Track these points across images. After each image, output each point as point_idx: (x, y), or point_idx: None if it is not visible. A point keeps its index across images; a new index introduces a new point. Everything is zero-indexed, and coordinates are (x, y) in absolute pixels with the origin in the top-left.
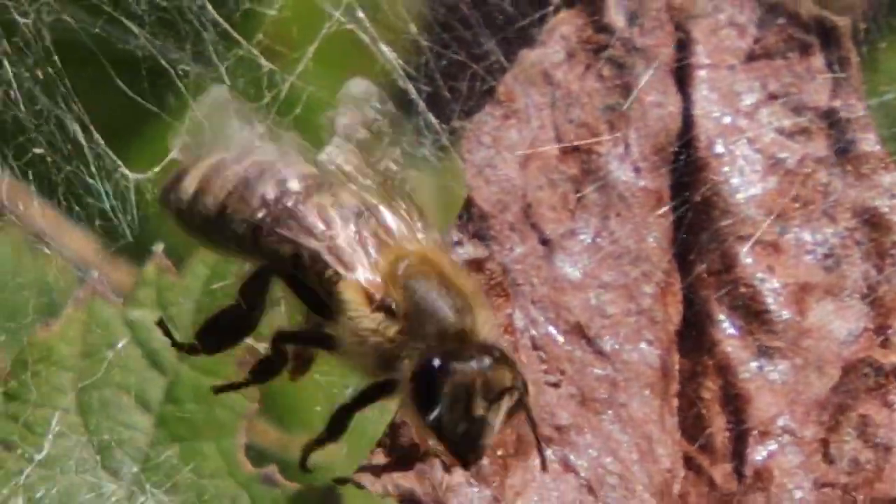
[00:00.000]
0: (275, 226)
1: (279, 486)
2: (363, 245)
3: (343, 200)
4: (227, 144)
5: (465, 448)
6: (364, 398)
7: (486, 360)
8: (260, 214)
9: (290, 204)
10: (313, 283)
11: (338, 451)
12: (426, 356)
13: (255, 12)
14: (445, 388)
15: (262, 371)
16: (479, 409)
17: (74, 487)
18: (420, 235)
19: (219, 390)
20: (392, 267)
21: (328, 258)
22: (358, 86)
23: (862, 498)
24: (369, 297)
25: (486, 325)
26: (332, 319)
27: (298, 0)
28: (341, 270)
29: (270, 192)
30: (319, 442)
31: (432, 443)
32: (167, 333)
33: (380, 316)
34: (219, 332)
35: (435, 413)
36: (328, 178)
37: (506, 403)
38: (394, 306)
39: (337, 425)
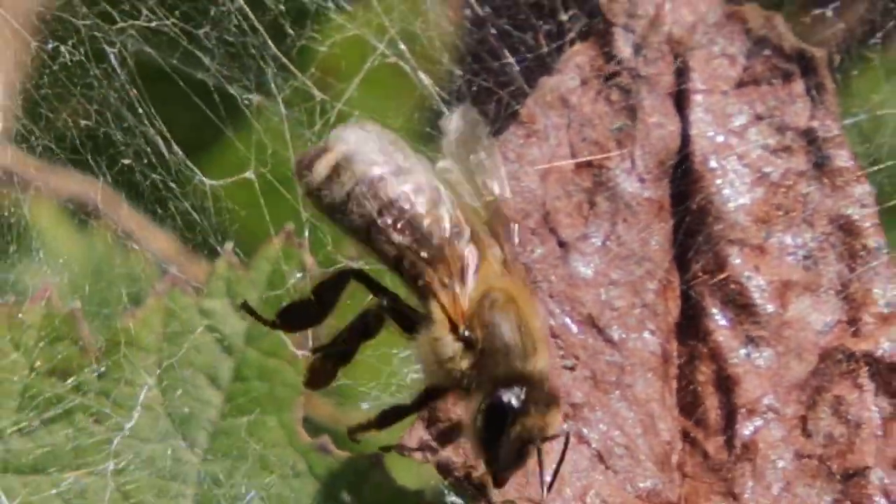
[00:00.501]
0: (390, 228)
1: (332, 454)
2: (463, 270)
3: (457, 219)
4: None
5: (505, 472)
6: (419, 404)
7: (547, 408)
8: (378, 213)
9: (410, 211)
10: (407, 288)
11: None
12: (499, 392)
13: (309, 48)
14: (511, 426)
15: (343, 340)
16: (530, 448)
17: (156, 454)
18: (509, 270)
19: (315, 350)
20: (481, 299)
21: (429, 270)
22: (467, 114)
23: (835, 467)
24: (454, 325)
25: (547, 367)
26: (413, 332)
27: (348, 36)
28: (437, 288)
29: (395, 195)
30: (367, 428)
31: (478, 457)
32: (252, 313)
33: (459, 346)
34: (297, 316)
35: (497, 437)
36: (448, 194)
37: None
38: (474, 341)
39: (387, 420)
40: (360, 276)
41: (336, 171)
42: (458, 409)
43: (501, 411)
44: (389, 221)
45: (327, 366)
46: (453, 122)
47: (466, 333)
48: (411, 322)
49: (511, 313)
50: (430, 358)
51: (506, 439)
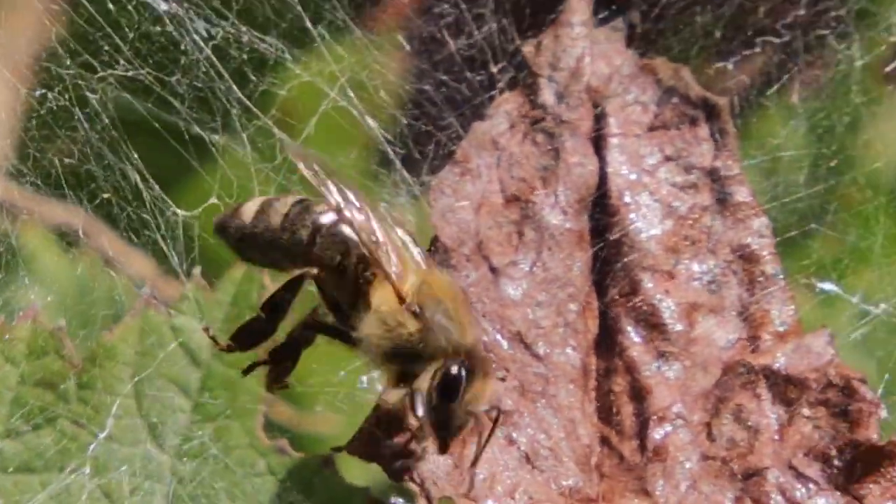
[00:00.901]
0: (336, 229)
1: (289, 455)
2: (402, 260)
3: (385, 226)
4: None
5: (449, 437)
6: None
7: (484, 378)
8: (324, 220)
9: (349, 214)
10: (348, 285)
11: (336, 426)
12: (450, 363)
13: (270, 92)
14: (460, 393)
15: (284, 352)
16: (472, 412)
17: (131, 457)
18: (433, 267)
19: (246, 372)
20: (420, 284)
21: (379, 257)
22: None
23: (737, 468)
24: (400, 298)
25: (478, 340)
26: (353, 318)
27: (303, 83)
28: (387, 269)
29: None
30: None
31: (423, 428)
32: (211, 337)
33: (406, 314)
34: (248, 335)
35: (447, 405)
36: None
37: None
38: (417, 310)
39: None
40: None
41: (265, 205)
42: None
43: (455, 381)
44: (334, 224)
45: (278, 373)
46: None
47: (415, 307)
48: (338, 330)
49: (441, 296)
50: (375, 335)
51: (455, 407)
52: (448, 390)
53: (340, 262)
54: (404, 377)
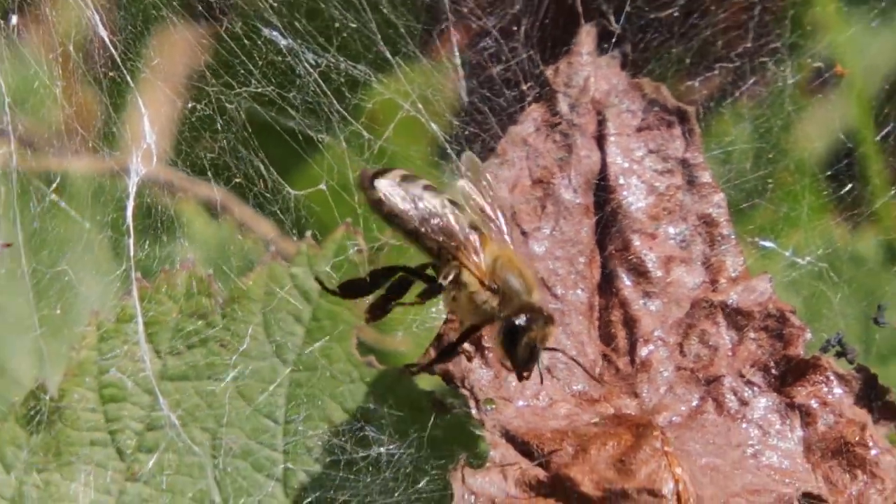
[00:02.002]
0: (431, 231)
1: (376, 367)
2: (476, 250)
3: (470, 219)
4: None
5: (524, 368)
6: (462, 339)
7: (545, 324)
8: (420, 224)
9: (444, 219)
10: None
11: (411, 346)
12: (514, 317)
13: (360, 105)
14: (524, 336)
15: (389, 297)
16: (537, 349)
17: (260, 367)
18: (506, 240)
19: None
20: (493, 262)
21: (461, 254)
22: (472, 158)
23: (701, 375)
24: (482, 282)
25: (542, 299)
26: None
27: (385, 98)
28: (468, 260)
29: (433, 208)
30: (429, 365)
31: (505, 362)
32: (321, 283)
33: (488, 293)
34: (351, 289)
35: (515, 348)
36: (464, 205)
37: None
38: (497, 288)
39: (444, 356)
40: (405, 269)
41: (392, 189)
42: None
43: (515, 329)
44: (431, 228)
45: (378, 309)
46: (465, 162)
47: (494, 285)
48: (433, 288)
49: (513, 268)
50: (469, 307)
51: (520, 347)
52: (512, 337)
53: (437, 248)
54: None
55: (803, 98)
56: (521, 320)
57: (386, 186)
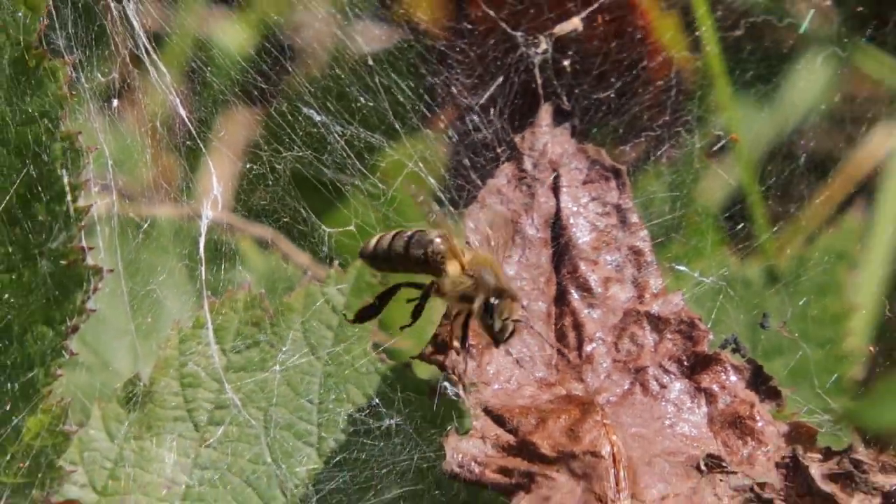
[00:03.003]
0: (412, 245)
1: (387, 362)
2: (462, 250)
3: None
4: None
5: (501, 336)
6: (456, 333)
7: (512, 301)
8: (403, 248)
9: (417, 232)
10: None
11: (413, 345)
12: (489, 298)
13: (376, 165)
14: (496, 312)
15: (378, 302)
16: (508, 320)
17: (300, 364)
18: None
19: (354, 320)
20: (471, 259)
21: (457, 254)
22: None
23: (631, 366)
24: (463, 268)
25: (510, 285)
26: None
27: (394, 159)
28: (460, 257)
29: (430, 239)
30: (430, 356)
31: (486, 334)
32: (344, 316)
33: (467, 279)
34: (363, 315)
35: (491, 320)
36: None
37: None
38: (473, 274)
39: (441, 347)
40: (402, 284)
41: (395, 237)
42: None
43: (490, 307)
44: (433, 250)
45: (365, 315)
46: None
47: (471, 272)
48: (426, 291)
49: (486, 263)
50: (453, 293)
51: (495, 319)
52: (489, 310)
53: (432, 259)
54: (465, 307)
55: (707, 159)
56: (494, 299)
57: (367, 243)
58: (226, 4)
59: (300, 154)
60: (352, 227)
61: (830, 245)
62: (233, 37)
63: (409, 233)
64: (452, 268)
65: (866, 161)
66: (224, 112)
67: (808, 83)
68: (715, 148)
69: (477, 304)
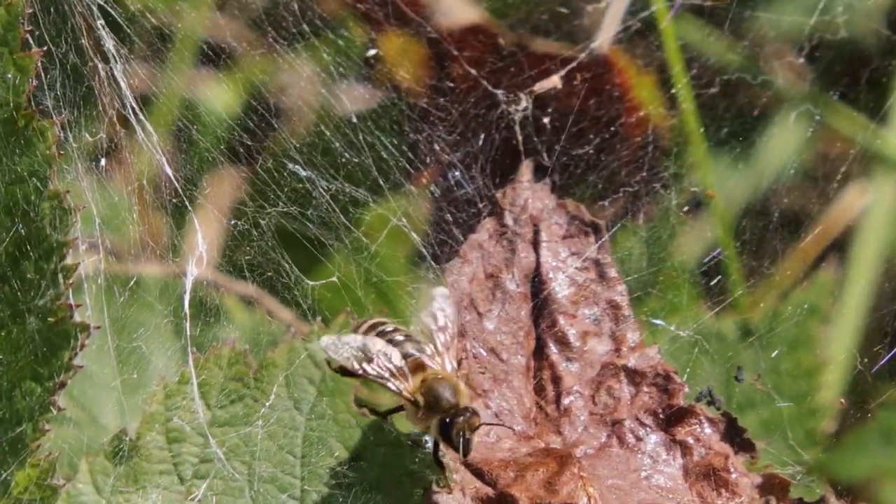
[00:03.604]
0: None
1: (368, 416)
2: (406, 375)
3: (405, 351)
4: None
5: (464, 452)
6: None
7: (469, 417)
8: (373, 372)
9: (375, 363)
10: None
11: (391, 402)
12: (443, 419)
13: (361, 218)
14: (453, 428)
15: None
16: (467, 436)
17: (283, 417)
18: (440, 364)
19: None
20: (423, 381)
21: (398, 386)
22: (441, 291)
23: (608, 419)
24: (408, 399)
25: (465, 398)
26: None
27: (378, 213)
28: (396, 392)
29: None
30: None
31: (446, 449)
32: (328, 364)
33: (413, 406)
34: (345, 371)
35: (448, 438)
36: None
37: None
38: (420, 401)
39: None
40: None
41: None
42: None
43: (444, 426)
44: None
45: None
46: (433, 295)
47: (417, 399)
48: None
49: (441, 382)
50: (410, 415)
51: (453, 437)
52: (443, 431)
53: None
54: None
55: (683, 214)
56: (448, 418)
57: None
58: (213, 65)
59: (285, 210)
60: (335, 280)
61: (803, 300)
62: (219, 96)
63: (377, 343)
64: (406, 395)
65: (840, 218)
66: (209, 170)
67: (783, 141)
68: (691, 204)
69: (433, 426)
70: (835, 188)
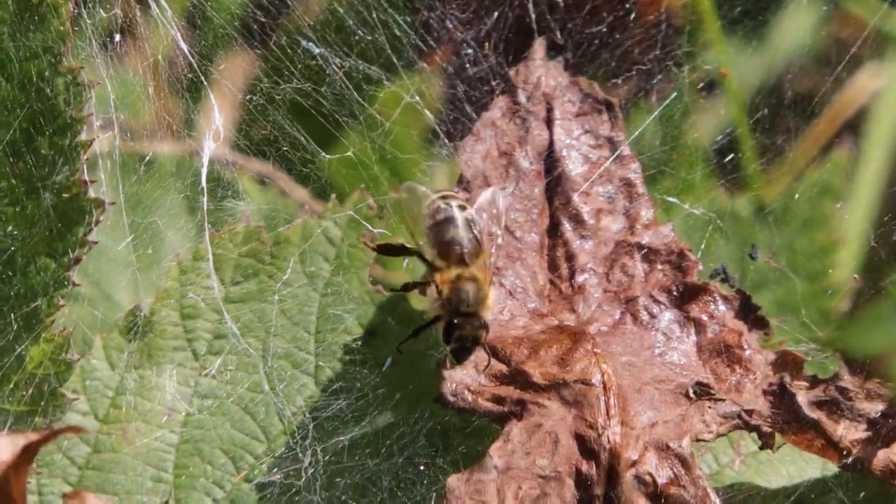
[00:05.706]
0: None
1: (382, 293)
2: (448, 264)
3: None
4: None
5: (456, 358)
6: (425, 327)
7: (477, 328)
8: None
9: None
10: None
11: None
12: (451, 319)
13: (375, 96)
14: (457, 333)
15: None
16: (468, 344)
17: (296, 293)
18: (479, 264)
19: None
20: (456, 277)
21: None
22: (492, 192)
23: (622, 296)
24: (439, 292)
25: (487, 311)
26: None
27: (391, 91)
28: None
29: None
30: (407, 339)
31: (444, 350)
32: (366, 243)
33: (438, 296)
34: (388, 251)
35: (448, 340)
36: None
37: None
38: (444, 292)
39: (417, 334)
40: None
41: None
42: None
43: (450, 327)
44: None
45: (387, 250)
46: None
47: (444, 291)
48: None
49: (470, 285)
50: (428, 301)
51: (453, 341)
52: (446, 332)
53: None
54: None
55: (696, 93)
56: (457, 320)
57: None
58: None
59: (299, 86)
60: (351, 155)
61: (817, 179)
62: None
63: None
64: (435, 280)
65: (853, 99)
66: (224, 46)
67: (796, 21)
68: (704, 82)
69: (442, 322)
70: (844, 71)
